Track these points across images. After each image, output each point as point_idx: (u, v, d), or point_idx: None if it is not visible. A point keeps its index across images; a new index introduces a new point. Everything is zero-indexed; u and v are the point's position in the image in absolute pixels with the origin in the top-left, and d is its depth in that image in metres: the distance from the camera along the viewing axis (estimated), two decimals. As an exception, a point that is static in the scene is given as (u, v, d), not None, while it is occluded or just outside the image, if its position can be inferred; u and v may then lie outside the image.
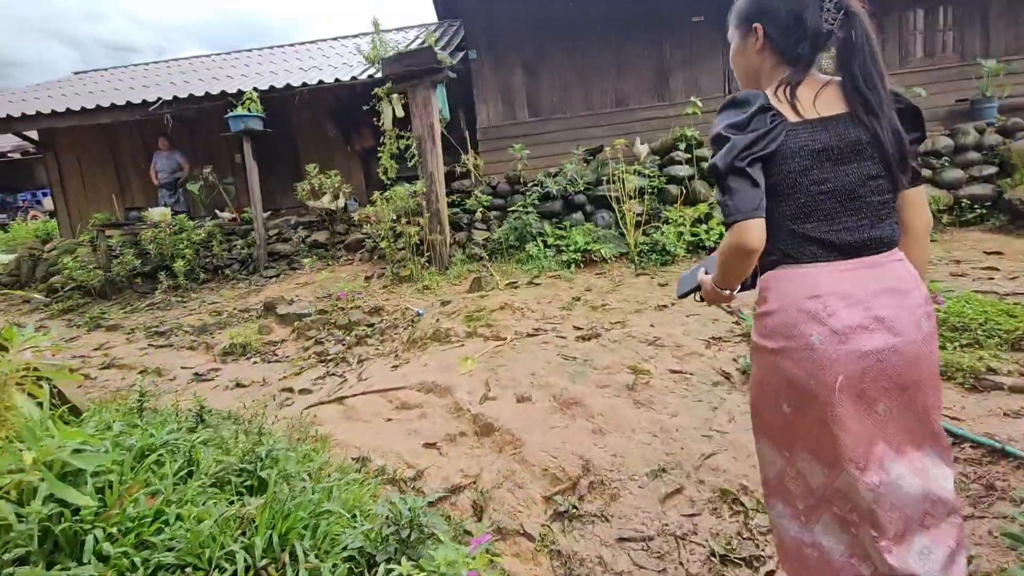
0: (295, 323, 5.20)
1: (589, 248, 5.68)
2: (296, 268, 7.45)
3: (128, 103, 7.76)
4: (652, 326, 3.84)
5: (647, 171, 6.27)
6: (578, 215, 6.27)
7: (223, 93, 7.48)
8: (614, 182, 5.80)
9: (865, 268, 1.09)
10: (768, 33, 1.15)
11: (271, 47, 12.17)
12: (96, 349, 5.37)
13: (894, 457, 1.07)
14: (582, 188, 6.26)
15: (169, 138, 8.58)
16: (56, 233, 10.73)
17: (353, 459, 2.65)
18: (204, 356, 4.80)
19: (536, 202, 6.19)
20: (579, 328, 3.93)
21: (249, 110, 7.05)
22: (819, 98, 1.10)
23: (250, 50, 12.22)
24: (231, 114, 7.05)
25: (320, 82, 7.57)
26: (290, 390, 3.75)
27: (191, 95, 7.60)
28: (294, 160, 9.09)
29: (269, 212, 8.78)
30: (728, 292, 1.22)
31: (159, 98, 7.70)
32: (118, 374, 4.61)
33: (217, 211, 8.45)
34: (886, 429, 1.07)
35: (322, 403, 3.34)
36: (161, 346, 5.21)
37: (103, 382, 4.47)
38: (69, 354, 5.28)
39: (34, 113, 7.92)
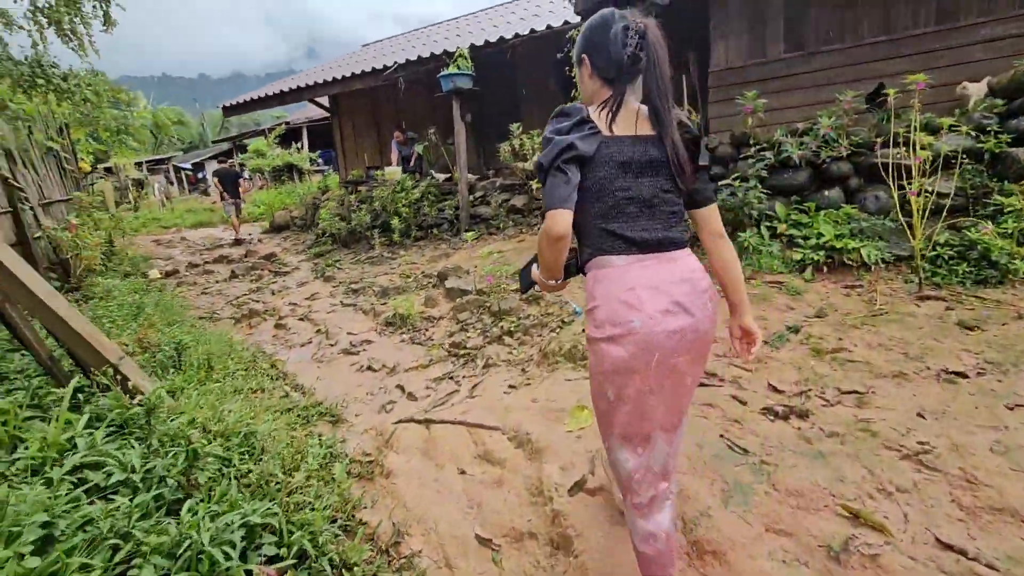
0: (456, 299, 4.86)
1: (841, 245, 3.80)
2: (493, 233, 7.21)
3: (367, 71, 8.39)
4: (921, 416, 2.17)
5: (978, 124, 3.88)
6: (833, 192, 4.28)
7: (445, 52, 7.43)
8: (904, 144, 3.67)
9: (664, 263, 1.30)
10: (592, 62, 1.34)
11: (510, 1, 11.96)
12: (307, 299, 6.00)
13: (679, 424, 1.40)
14: (845, 152, 4.23)
15: (403, 130, 9.22)
16: (335, 186, 12.90)
17: (393, 523, 2.04)
18: (370, 323, 4.83)
19: (764, 172, 4.43)
20: (776, 388, 2.48)
21: (459, 68, 6.82)
22: (637, 120, 1.30)
23: (494, 7, 12.25)
24: (441, 73, 6.94)
25: (532, 31, 6.89)
26: (402, 389, 3.35)
27: (419, 57, 7.78)
28: (515, 120, 8.81)
29: (478, 176, 8.74)
30: (554, 282, 1.43)
31: (395, 62, 8.11)
32: (306, 328, 4.98)
33: (433, 172, 8.75)
34: (688, 399, 1.38)
35: (413, 420, 2.82)
36: (347, 305, 5.50)
37: (291, 333, 4.89)
38: (288, 300, 6.03)
39: (305, 85, 9.24)
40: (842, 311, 3.22)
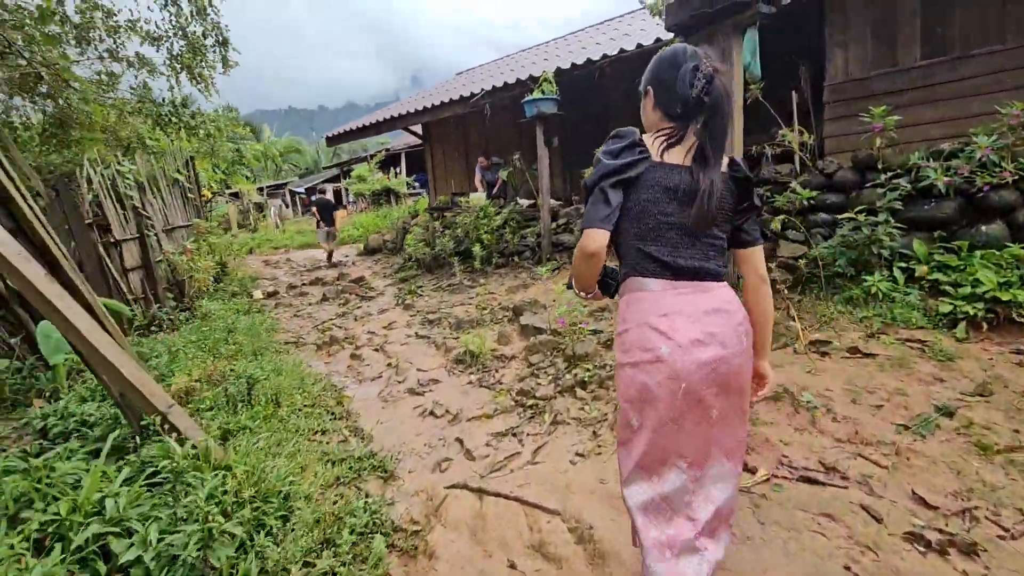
0: (530, 338, 4.56)
1: (1007, 296, 3.00)
2: (575, 263, 6.86)
3: (454, 99, 8.46)
4: None
5: None
6: (994, 228, 3.44)
7: (531, 77, 7.29)
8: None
9: (699, 292, 1.28)
10: (656, 96, 1.36)
11: (598, 23, 11.67)
12: (385, 327, 6.01)
13: (719, 458, 1.32)
14: (1011, 178, 3.40)
15: (487, 155, 9.25)
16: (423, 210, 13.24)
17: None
18: (440, 359, 4.66)
19: (898, 202, 3.68)
20: (925, 500, 1.88)
21: (544, 93, 6.63)
22: (691, 152, 1.29)
23: (584, 29, 12.05)
24: (525, 99, 6.78)
25: (621, 51, 6.54)
26: (461, 443, 3.08)
27: (504, 83, 7.71)
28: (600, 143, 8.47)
29: (562, 202, 8.45)
30: (588, 294, 1.47)
31: (482, 89, 8.12)
32: (379, 360, 4.92)
33: (518, 198, 8.60)
34: (718, 433, 1.30)
35: (467, 487, 2.53)
36: (421, 336, 5.40)
37: (365, 364, 4.85)
38: (367, 327, 6.07)
39: (397, 115, 9.54)
40: (1016, 388, 2.48)
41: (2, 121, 8.52)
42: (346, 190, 24.20)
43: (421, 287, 7.89)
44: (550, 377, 3.77)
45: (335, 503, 2.39)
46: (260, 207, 25.03)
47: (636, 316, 1.29)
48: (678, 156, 1.28)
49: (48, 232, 2.44)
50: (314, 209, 11.59)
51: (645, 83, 1.38)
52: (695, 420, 1.26)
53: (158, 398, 2.23)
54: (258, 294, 8.74)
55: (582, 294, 1.46)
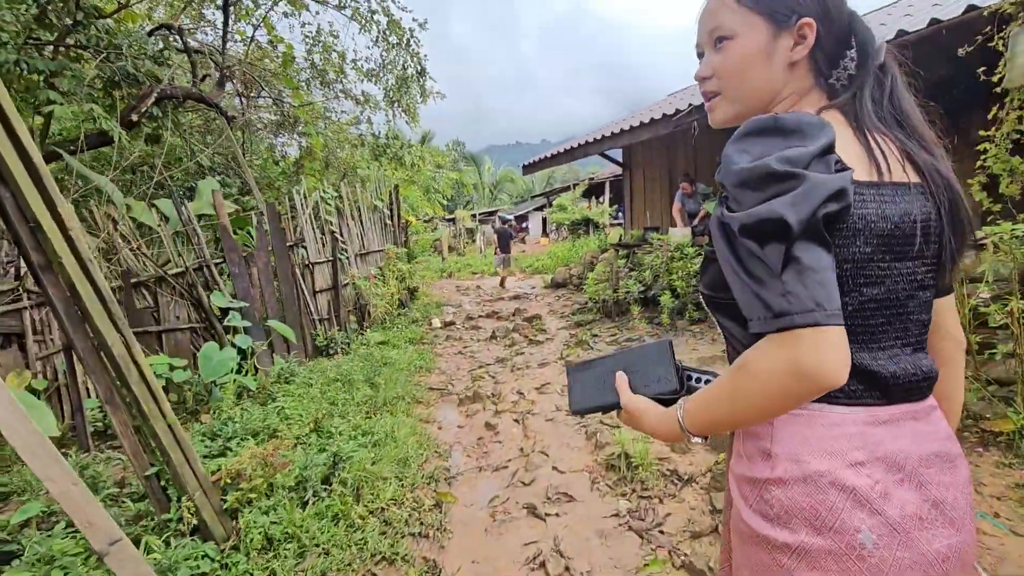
0: (722, 452, 3.02)
1: None
2: (804, 330, 4.91)
3: (656, 118, 7.16)
4: None
5: None
6: None
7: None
8: None
9: (910, 420, 0.71)
10: (820, 37, 0.76)
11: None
12: (538, 388, 4.98)
13: None
14: None
15: (692, 181, 7.70)
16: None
17: None
18: (586, 458, 3.41)
19: None
20: None
21: (770, 100, 4.94)
22: (887, 157, 0.73)
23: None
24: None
25: (900, 32, 4.48)
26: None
27: (719, 94, 6.16)
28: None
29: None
30: (696, 439, 0.76)
31: (689, 104, 6.70)
32: (514, 439, 3.90)
33: (728, 236, 6.84)
34: None
35: None
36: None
37: (495, 441, 3.87)
38: (519, 385, 5.12)
39: (593, 140, 8.61)
40: None
41: (268, 156, 10.10)
42: (543, 220, 24.39)
43: (596, 336, 6.70)
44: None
45: None
46: (471, 232, 26.85)
47: (804, 454, 0.67)
48: (895, 163, 0.72)
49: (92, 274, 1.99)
50: (494, 238, 13.15)
51: (785, 5, 0.74)
52: None
53: (98, 530, 1.52)
54: (437, 322, 8.62)
55: (693, 438, 0.75)
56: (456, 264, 17.39)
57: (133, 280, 5.15)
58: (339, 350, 6.79)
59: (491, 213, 33.34)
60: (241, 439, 3.39)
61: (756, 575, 0.73)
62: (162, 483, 2.17)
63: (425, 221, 20.93)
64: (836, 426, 0.69)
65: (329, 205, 7.45)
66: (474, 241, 25.29)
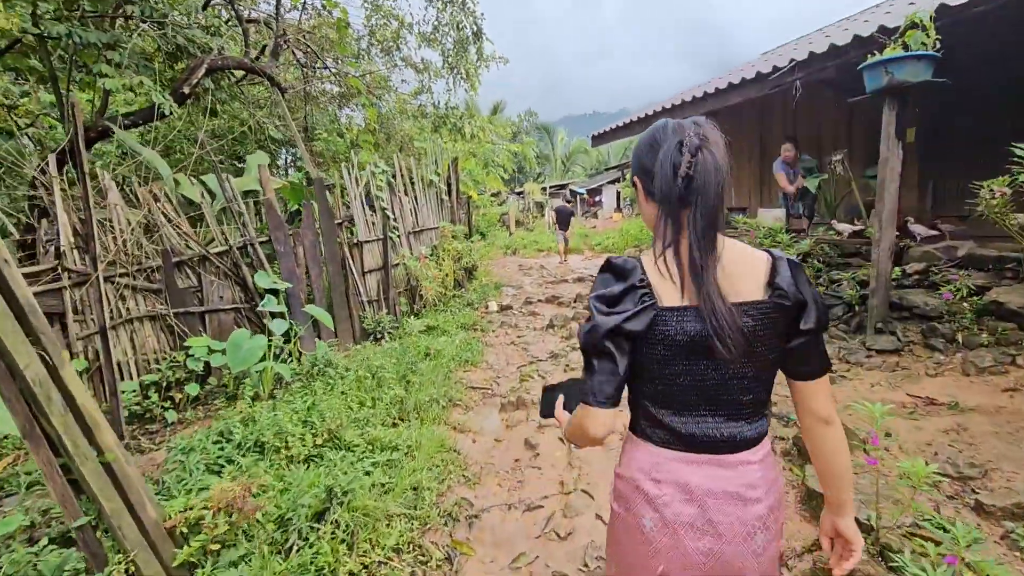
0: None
1: None
2: (936, 349, 3.86)
3: (748, 78, 6.04)
4: None
5: None
6: None
7: (881, 29, 4.44)
8: None
9: (714, 466, 1.04)
10: (644, 186, 1.11)
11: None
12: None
13: None
14: None
15: (795, 142, 6.42)
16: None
17: None
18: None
19: None
20: None
21: (907, 48, 3.81)
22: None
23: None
24: (866, 63, 4.04)
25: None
26: None
27: (831, 46, 4.99)
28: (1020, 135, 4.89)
29: (924, 233, 5.19)
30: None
31: (791, 60, 5.55)
32: (556, 465, 3.31)
33: (833, 221, 5.69)
34: None
35: None
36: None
37: (533, 465, 3.30)
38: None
39: (671, 106, 7.57)
40: None
41: (335, 128, 9.90)
42: (617, 193, 23.07)
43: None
44: None
45: None
46: (540, 206, 26.03)
47: (631, 466, 1.11)
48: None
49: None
50: (553, 216, 13.00)
51: (632, 174, 1.14)
52: None
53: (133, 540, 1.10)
54: (493, 306, 8.12)
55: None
56: (522, 240, 16.70)
57: (176, 259, 5.01)
58: (386, 334, 6.47)
59: (562, 186, 32.21)
60: (247, 450, 3.05)
61: (610, 518, 1.18)
62: (98, 535, 1.79)
63: (493, 195, 20.38)
64: (651, 455, 1.07)
65: (380, 180, 7.05)
66: (543, 216, 24.46)
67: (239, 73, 7.24)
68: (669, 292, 0.99)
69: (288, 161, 11.79)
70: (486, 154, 9.20)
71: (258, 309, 4.84)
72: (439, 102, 9.35)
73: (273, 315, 4.86)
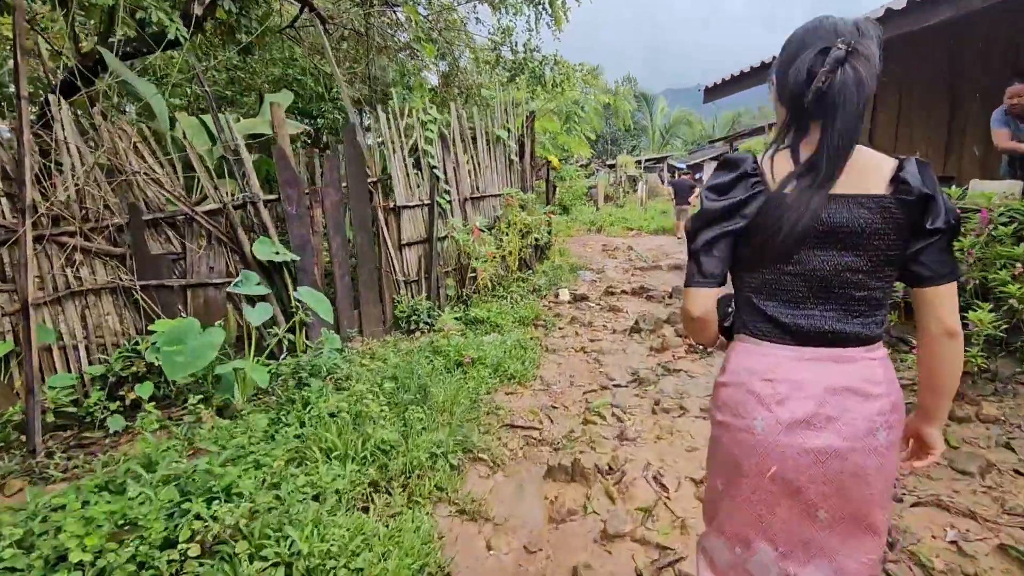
0: None
1: None
2: None
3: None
4: None
5: None
6: None
7: None
8: None
9: (831, 361, 1.00)
10: (778, 86, 1.06)
11: None
12: (690, 449, 2.61)
13: (826, 567, 1.02)
14: None
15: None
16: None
17: None
18: None
19: None
20: None
21: None
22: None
23: None
24: None
25: None
26: None
27: None
28: None
29: None
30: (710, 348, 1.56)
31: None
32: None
33: None
34: (827, 539, 1.01)
35: None
36: None
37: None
38: (658, 448, 2.80)
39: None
40: None
41: (403, 82, 8.64)
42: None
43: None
44: None
45: None
46: (634, 180, 23.55)
47: (738, 371, 1.06)
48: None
49: None
50: (670, 190, 12.85)
51: (773, 68, 1.08)
52: (793, 513, 1.00)
53: None
54: (565, 295, 6.51)
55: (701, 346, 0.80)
56: (609, 217, 14.69)
57: (149, 217, 3.89)
58: (421, 326, 5.09)
59: (659, 160, 29.21)
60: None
61: (711, 439, 1.14)
62: None
63: (582, 166, 18.39)
64: (761, 355, 1.03)
65: (431, 132, 5.58)
66: (635, 191, 22.02)
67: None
68: (774, 181, 0.98)
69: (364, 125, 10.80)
70: (569, 107, 7.50)
71: (229, 290, 3.59)
72: (517, 43, 7.68)
73: (252, 299, 3.60)
